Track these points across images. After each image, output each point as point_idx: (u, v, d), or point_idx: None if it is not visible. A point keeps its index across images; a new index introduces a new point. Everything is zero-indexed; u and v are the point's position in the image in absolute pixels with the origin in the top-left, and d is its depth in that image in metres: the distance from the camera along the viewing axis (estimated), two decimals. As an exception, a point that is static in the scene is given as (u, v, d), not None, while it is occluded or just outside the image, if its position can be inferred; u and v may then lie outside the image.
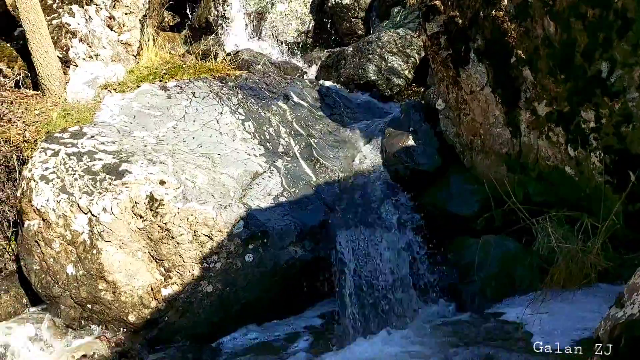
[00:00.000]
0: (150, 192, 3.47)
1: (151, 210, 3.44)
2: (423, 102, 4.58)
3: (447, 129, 4.11)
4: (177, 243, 3.42)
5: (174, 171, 3.64)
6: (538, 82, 3.18)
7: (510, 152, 3.57)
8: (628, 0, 2.49)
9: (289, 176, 3.95)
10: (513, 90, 3.40)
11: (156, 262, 3.47)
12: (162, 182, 3.53)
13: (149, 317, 3.45)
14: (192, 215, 3.45)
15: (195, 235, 3.44)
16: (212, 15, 6.93)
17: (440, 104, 4.15)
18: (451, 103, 3.99)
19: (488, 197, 3.59)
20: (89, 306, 3.48)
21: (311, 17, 6.98)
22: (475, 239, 3.56)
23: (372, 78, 5.46)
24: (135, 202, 3.45)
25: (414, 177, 3.97)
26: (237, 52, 5.62)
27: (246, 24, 6.89)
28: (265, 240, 3.52)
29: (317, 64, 6.16)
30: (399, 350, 2.89)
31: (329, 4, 6.76)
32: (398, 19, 6.23)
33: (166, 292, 3.45)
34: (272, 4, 6.94)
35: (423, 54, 5.44)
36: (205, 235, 3.45)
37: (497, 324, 2.98)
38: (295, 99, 4.78)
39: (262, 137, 4.24)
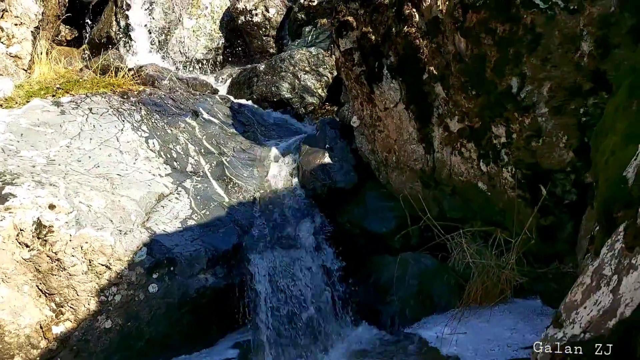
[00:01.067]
0: (38, 218, 3.08)
1: (39, 238, 3.05)
2: (338, 119, 4.51)
3: (362, 146, 4.05)
4: (70, 274, 3.05)
5: (66, 194, 3.27)
6: (450, 98, 3.18)
7: (424, 168, 3.55)
8: (537, 16, 2.53)
9: (198, 197, 3.69)
10: (426, 107, 3.39)
11: (45, 296, 3.07)
12: (51, 207, 3.15)
13: (38, 358, 3.04)
14: (86, 242, 3.10)
15: (90, 265, 3.09)
16: (114, 29, 6.53)
17: (355, 121, 4.09)
18: (366, 120, 3.94)
19: (404, 213, 3.55)
20: (-34, 350, 3.03)
21: (221, 34, 6.79)
22: (393, 257, 3.48)
23: (286, 96, 5.36)
24: (21, 230, 3.05)
25: (330, 195, 3.86)
26: (141, 67, 5.29)
27: (151, 39, 6.56)
28: (172, 268, 3.24)
29: (228, 81, 5.96)
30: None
31: (239, 22, 6.61)
32: (310, 38, 6.20)
33: (58, 329, 3.06)
34: (179, 20, 6.67)
35: (335, 73, 5.41)
36: (103, 265, 3.10)
37: (418, 346, 2.89)
38: (205, 115, 4.54)
39: (169, 156, 3.95)
